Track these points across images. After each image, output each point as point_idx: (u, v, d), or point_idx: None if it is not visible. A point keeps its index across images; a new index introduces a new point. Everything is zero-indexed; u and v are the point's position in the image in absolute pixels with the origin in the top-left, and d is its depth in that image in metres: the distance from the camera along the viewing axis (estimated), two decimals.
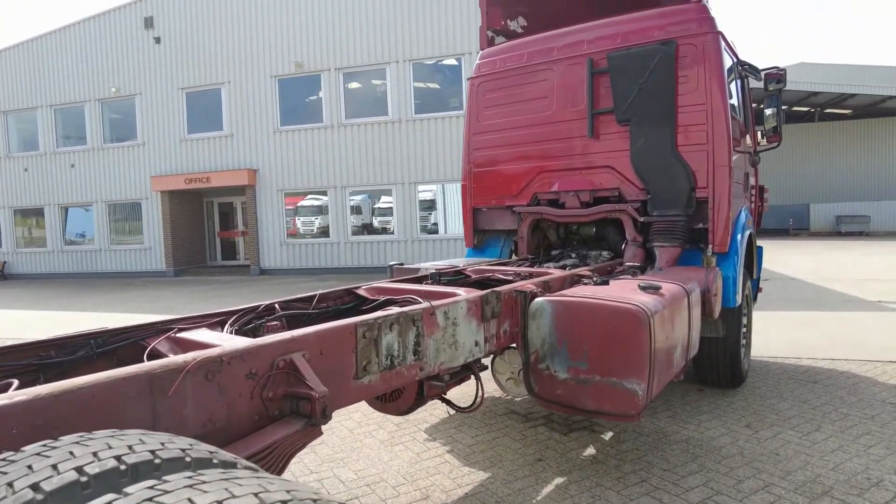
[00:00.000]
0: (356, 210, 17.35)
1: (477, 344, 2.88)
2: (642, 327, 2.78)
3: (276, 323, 2.70)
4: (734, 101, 5.00)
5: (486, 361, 3.31)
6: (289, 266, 17.54)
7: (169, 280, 18.09)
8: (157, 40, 18.25)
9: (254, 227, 17.96)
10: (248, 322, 2.59)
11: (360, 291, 3.43)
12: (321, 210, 17.68)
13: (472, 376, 3.04)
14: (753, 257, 5.48)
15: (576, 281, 3.75)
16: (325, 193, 17.38)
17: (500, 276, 4.17)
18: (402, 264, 4.92)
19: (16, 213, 20.90)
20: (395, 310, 2.46)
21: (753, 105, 5.88)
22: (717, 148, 4.43)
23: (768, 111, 5.57)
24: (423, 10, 15.90)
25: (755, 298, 5.97)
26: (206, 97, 18.20)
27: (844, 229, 28.67)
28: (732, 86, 4.99)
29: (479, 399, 3.11)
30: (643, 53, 4.59)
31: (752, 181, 5.79)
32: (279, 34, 17.21)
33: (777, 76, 5.38)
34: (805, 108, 32.89)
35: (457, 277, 4.38)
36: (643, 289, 3.23)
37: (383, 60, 16.42)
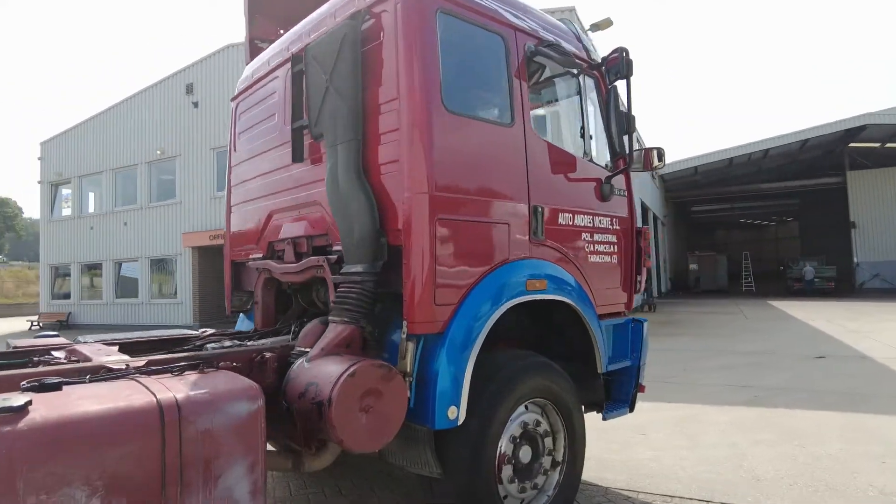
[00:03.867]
0: None
1: None
2: None
3: None
4: (530, 104, 3.31)
5: None
6: None
7: None
8: (196, 104, 19.24)
9: None
10: None
11: None
12: None
13: None
14: (594, 343, 3.52)
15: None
16: None
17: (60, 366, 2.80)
18: (57, 335, 3.68)
19: (82, 268, 22.65)
20: None
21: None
22: (412, 165, 2.78)
23: (610, 118, 3.70)
24: None
25: (629, 406, 3.92)
26: None
27: None
28: (531, 82, 3.33)
29: None
30: (331, 38, 3.12)
31: (608, 223, 3.88)
32: None
33: (615, 61, 3.57)
34: None
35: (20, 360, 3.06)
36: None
37: None
